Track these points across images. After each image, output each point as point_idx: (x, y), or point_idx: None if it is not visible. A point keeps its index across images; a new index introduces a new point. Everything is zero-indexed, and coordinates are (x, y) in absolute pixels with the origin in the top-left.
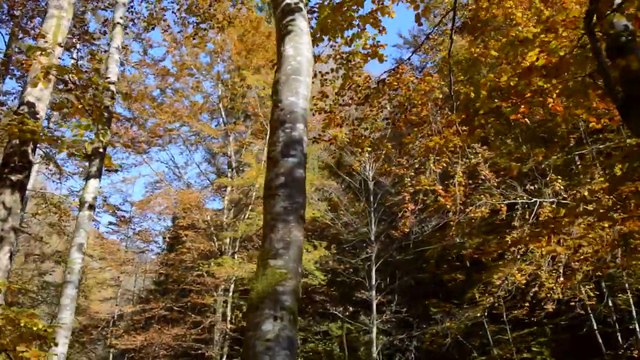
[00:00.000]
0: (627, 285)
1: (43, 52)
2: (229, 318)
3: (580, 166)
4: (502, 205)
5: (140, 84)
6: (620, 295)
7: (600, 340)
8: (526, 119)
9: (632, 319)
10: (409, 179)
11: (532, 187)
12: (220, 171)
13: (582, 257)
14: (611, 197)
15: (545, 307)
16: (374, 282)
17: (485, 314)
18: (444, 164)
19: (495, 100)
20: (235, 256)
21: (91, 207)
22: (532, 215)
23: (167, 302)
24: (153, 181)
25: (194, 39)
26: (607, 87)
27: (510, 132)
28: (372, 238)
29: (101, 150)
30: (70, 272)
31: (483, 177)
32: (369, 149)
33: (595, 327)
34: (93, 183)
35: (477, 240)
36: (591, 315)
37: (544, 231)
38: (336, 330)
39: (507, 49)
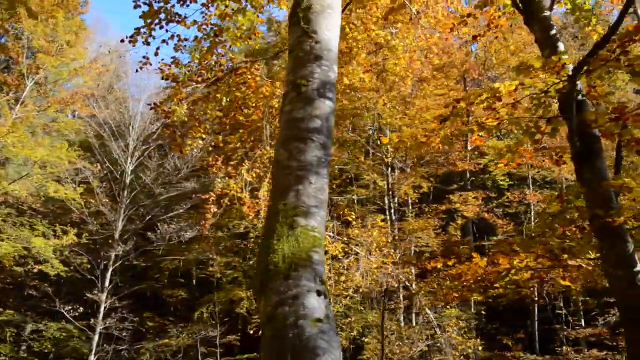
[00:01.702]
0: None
1: None
2: None
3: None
4: None
5: None
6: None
7: None
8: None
9: None
10: (220, 180)
11: None
12: None
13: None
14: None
15: None
16: (107, 283)
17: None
18: (254, 174)
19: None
20: None
21: None
22: None
23: None
24: None
25: None
26: (570, 135)
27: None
28: (117, 236)
29: None
30: None
31: None
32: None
33: None
34: None
35: (225, 259)
36: None
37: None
38: (54, 332)
39: (514, 73)
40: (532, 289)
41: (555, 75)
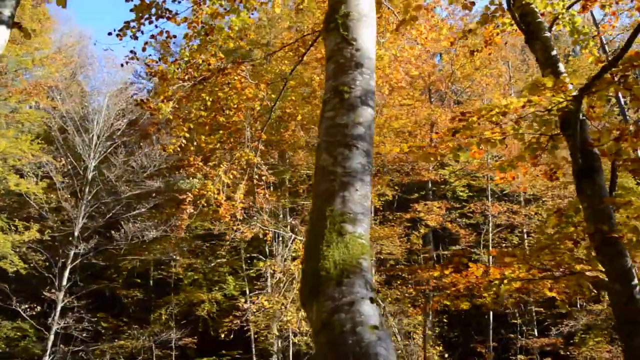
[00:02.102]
0: None
1: None
2: None
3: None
4: (268, 232)
5: None
6: None
7: None
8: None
9: None
10: (197, 180)
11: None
12: None
13: None
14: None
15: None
16: (64, 282)
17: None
18: (232, 176)
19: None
20: None
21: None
22: (288, 247)
23: None
24: None
25: None
26: (572, 152)
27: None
28: (77, 233)
29: None
30: None
31: (260, 200)
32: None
33: None
34: None
35: (187, 260)
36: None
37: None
38: (8, 331)
39: (527, 90)
40: (516, 298)
41: (562, 95)
